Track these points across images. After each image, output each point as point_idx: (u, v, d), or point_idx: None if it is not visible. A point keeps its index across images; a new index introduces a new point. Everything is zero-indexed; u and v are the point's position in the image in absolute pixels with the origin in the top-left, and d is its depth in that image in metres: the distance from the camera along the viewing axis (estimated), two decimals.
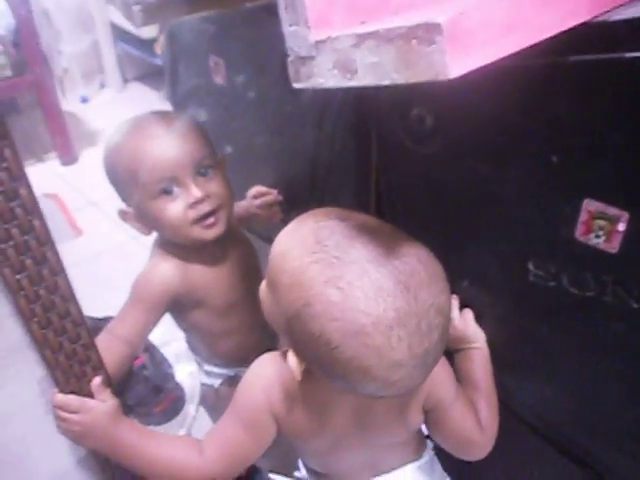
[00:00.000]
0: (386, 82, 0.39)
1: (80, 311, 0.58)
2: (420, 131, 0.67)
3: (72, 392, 0.62)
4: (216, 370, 0.95)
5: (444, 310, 0.49)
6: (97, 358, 0.63)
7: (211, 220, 0.74)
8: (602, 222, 0.55)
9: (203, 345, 0.92)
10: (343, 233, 0.49)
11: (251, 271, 0.86)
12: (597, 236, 0.56)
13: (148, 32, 2.57)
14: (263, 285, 0.56)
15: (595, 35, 0.48)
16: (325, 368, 0.49)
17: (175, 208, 0.72)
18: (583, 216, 0.56)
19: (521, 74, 0.54)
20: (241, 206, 0.94)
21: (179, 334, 0.97)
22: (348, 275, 0.46)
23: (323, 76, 0.43)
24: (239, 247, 0.85)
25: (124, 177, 0.74)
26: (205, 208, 0.73)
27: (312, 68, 0.43)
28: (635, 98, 0.49)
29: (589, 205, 0.55)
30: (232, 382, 0.93)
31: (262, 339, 0.88)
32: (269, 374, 0.59)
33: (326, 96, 0.76)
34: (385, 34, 0.37)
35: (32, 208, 0.50)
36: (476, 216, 0.67)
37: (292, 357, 0.52)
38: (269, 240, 1.11)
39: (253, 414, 0.59)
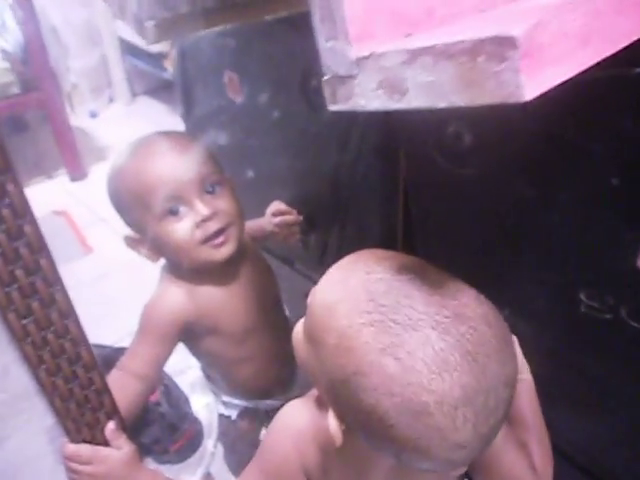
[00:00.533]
0: (442, 105, 0.33)
1: (92, 355, 0.53)
2: (457, 150, 0.62)
3: (84, 441, 0.57)
4: (234, 401, 0.90)
5: (512, 381, 0.43)
6: (110, 403, 0.58)
7: (220, 239, 0.69)
8: None
9: (219, 374, 0.87)
10: (400, 290, 0.42)
11: (268, 293, 0.81)
12: None
13: (157, 46, 2.55)
14: (299, 332, 0.50)
15: None
16: (374, 441, 0.43)
17: (182, 228, 0.68)
18: None
19: (578, 86, 0.48)
20: (258, 223, 0.89)
21: (194, 361, 0.92)
22: (409, 344, 0.40)
23: (365, 97, 0.38)
24: (253, 267, 0.80)
25: (128, 200, 0.70)
26: (213, 227, 0.68)
27: (352, 88, 0.38)
28: None
29: None
30: (251, 415, 0.88)
31: (284, 368, 0.84)
32: (301, 425, 0.52)
33: (351, 114, 0.71)
34: (444, 49, 0.32)
35: (39, 247, 0.45)
36: (519, 242, 0.62)
37: (332, 420, 0.45)
38: (285, 260, 1.07)
39: (282, 471, 0.53)
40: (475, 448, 0.41)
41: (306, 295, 1.04)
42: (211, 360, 0.84)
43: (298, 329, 0.51)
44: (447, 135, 0.62)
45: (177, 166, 0.67)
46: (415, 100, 0.35)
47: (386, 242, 0.83)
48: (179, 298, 0.73)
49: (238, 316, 0.77)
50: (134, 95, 3.05)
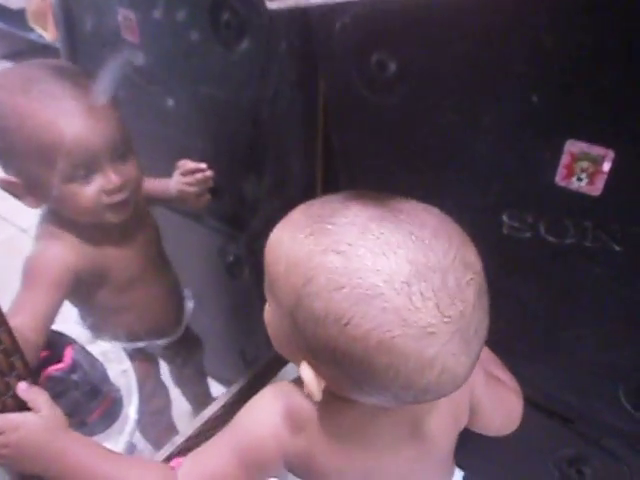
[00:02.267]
0: None
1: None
2: (380, 79, 0.61)
3: None
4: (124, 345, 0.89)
5: (474, 266, 0.40)
6: (23, 366, 0.51)
7: (124, 206, 0.70)
8: (585, 163, 0.53)
9: (106, 321, 0.86)
10: (337, 200, 0.43)
11: (152, 245, 0.84)
12: (579, 179, 0.54)
13: (16, 2, 2.29)
14: (266, 306, 0.48)
15: None
16: (344, 367, 0.40)
17: (89, 192, 0.66)
18: (565, 159, 0.53)
19: (498, 6, 0.49)
20: (165, 184, 0.85)
21: None
22: (348, 237, 0.39)
23: None
24: (139, 221, 0.80)
25: (20, 148, 0.63)
26: (121, 196, 0.68)
27: None
28: (621, 29, 0.46)
29: (572, 146, 0.53)
30: (144, 355, 0.91)
31: (168, 313, 0.91)
32: (281, 409, 0.48)
33: (269, 45, 0.68)
34: None
35: None
36: (443, 169, 0.63)
37: (306, 370, 0.43)
38: (195, 217, 1.02)
39: (258, 456, 0.49)
40: (449, 341, 0.38)
41: (220, 250, 1.00)
42: (99, 309, 0.83)
43: (266, 306, 0.49)
44: (370, 64, 0.61)
45: (94, 131, 0.63)
46: None
47: (306, 184, 0.81)
48: (66, 248, 0.71)
49: (124, 267, 0.78)
50: None
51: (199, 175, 0.82)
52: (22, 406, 0.51)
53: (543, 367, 0.68)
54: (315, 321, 0.39)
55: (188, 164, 0.82)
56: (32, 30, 2.30)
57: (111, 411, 0.79)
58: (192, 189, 0.83)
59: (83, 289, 0.75)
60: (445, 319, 0.37)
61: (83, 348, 0.80)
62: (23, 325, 0.62)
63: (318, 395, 0.43)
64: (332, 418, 0.48)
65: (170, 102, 0.83)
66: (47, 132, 0.61)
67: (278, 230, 0.45)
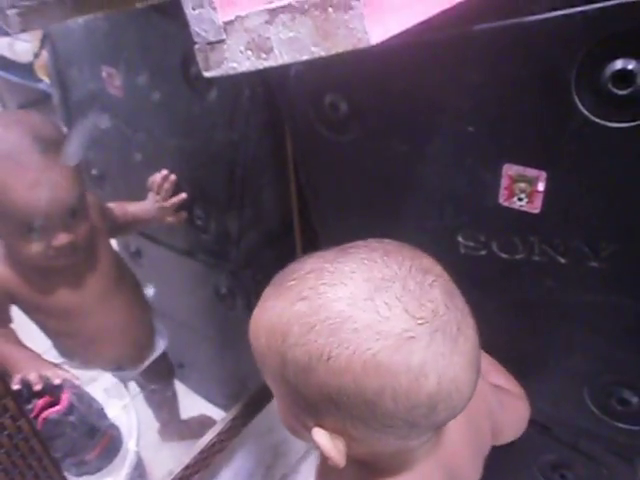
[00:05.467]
0: (305, 57, 0.37)
1: None
2: (335, 118, 0.66)
3: None
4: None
5: (433, 270, 0.41)
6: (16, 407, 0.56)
7: (70, 257, 0.73)
8: (523, 184, 0.57)
9: (67, 347, 0.89)
10: (295, 263, 0.44)
11: (104, 276, 0.83)
12: (520, 199, 0.58)
13: (27, 56, 2.40)
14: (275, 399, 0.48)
15: (498, 2, 0.49)
16: (345, 408, 0.39)
17: (35, 248, 0.69)
18: (505, 181, 0.58)
19: (431, 48, 0.54)
20: (142, 206, 0.91)
21: None
22: (308, 283, 0.40)
23: (236, 60, 0.40)
24: (88, 260, 0.81)
25: None
26: (66, 252, 0.71)
27: (223, 53, 0.41)
28: (539, 59, 0.51)
29: (509, 170, 0.57)
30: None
31: (124, 345, 0.93)
32: None
33: (234, 93, 0.74)
34: (299, 6, 0.35)
35: None
36: (400, 197, 0.67)
37: (319, 433, 0.41)
38: (188, 253, 1.07)
39: None
40: (429, 342, 0.37)
41: (214, 286, 1.04)
42: (52, 333, 0.86)
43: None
44: (324, 106, 0.66)
45: (44, 193, 0.65)
46: (281, 57, 0.38)
47: (283, 218, 0.86)
48: (5, 274, 0.73)
49: (64, 296, 0.79)
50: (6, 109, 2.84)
51: (166, 185, 0.87)
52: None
53: (515, 378, 0.71)
54: (302, 371, 0.39)
55: (156, 178, 0.88)
56: (41, 80, 2.42)
57: (110, 448, 0.82)
58: (167, 203, 0.89)
59: (22, 308, 0.78)
60: (419, 321, 0.37)
61: (79, 389, 0.84)
62: None
63: (341, 459, 0.41)
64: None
65: (152, 148, 0.89)
66: (7, 195, 0.64)
67: (255, 311, 0.45)
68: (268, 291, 0.44)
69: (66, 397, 0.78)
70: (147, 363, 0.97)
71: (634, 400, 0.62)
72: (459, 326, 0.39)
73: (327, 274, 0.40)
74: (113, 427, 0.85)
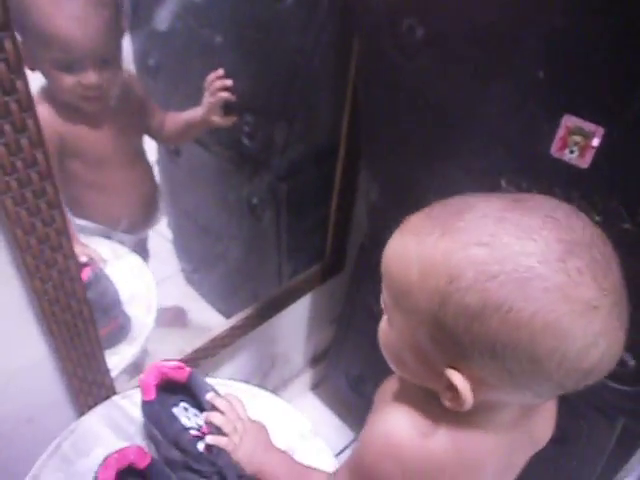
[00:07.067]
0: None
1: (57, 191, 0.56)
2: (409, 42, 0.67)
3: (41, 279, 0.59)
4: (89, 225, 0.99)
5: (608, 242, 0.40)
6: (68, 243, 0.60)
7: (96, 101, 0.80)
8: (578, 137, 0.59)
9: (76, 196, 0.95)
10: (455, 203, 0.42)
11: (125, 137, 0.92)
12: (571, 151, 0.60)
13: None
14: (383, 324, 0.47)
15: None
16: (504, 360, 0.38)
17: (68, 81, 0.76)
18: (561, 132, 0.60)
19: None
20: (195, 111, 0.94)
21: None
22: (486, 229, 0.38)
23: None
24: (123, 113, 0.89)
25: (27, 23, 0.71)
26: (93, 93, 0.78)
27: None
28: (622, 17, 0.52)
29: (568, 121, 0.59)
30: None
31: (135, 207, 1.01)
32: (406, 445, 0.45)
33: (312, 2, 0.74)
34: None
35: (27, 105, 0.47)
36: (453, 131, 0.69)
37: (457, 375, 0.40)
38: (227, 159, 1.09)
39: None
40: (609, 314, 0.37)
41: (246, 195, 1.05)
42: (72, 182, 0.91)
43: (381, 325, 0.48)
44: (401, 29, 0.67)
45: (83, 33, 0.74)
46: None
47: (330, 138, 0.88)
48: (52, 111, 0.79)
49: (93, 146, 0.87)
50: None
51: (218, 83, 0.90)
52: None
53: None
54: (470, 317, 0.38)
55: (211, 75, 0.91)
56: None
57: (116, 333, 0.86)
58: (215, 98, 0.91)
59: (59, 156, 0.84)
60: (604, 292, 0.37)
61: (101, 270, 0.88)
62: None
63: (470, 401, 0.41)
64: (464, 444, 0.46)
65: (214, 47, 0.91)
66: (46, 23, 0.71)
67: (399, 240, 0.44)
68: (421, 223, 0.42)
69: (85, 273, 0.82)
70: (148, 231, 1.08)
71: (631, 363, 0.66)
72: (626, 302, 0.40)
73: (509, 226, 0.38)
74: (124, 315, 0.90)
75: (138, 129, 0.97)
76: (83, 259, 0.87)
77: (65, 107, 0.81)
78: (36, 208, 0.55)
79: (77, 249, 0.82)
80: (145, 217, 1.05)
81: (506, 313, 0.36)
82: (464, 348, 0.39)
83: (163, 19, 1.00)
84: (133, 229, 1.02)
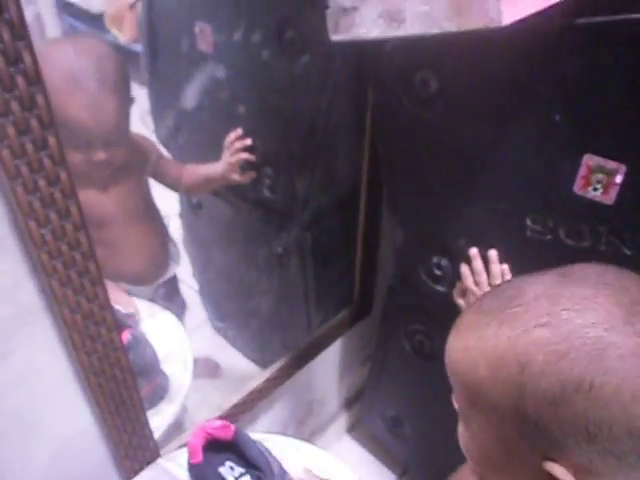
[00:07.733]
0: (435, 31, 0.41)
1: (99, 267, 0.58)
2: (423, 94, 0.70)
3: (87, 353, 0.61)
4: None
5: None
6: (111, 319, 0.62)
7: (104, 170, 0.86)
8: (600, 175, 0.60)
9: None
10: (502, 290, 0.42)
11: (132, 198, 0.96)
12: (595, 189, 0.61)
13: (98, 5, 2.46)
14: (460, 430, 0.46)
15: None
16: (603, 440, 0.36)
17: (76, 157, 0.81)
18: (582, 171, 0.61)
19: (529, 35, 0.57)
20: (214, 167, 0.98)
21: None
22: (542, 309, 0.38)
23: (366, 26, 0.44)
24: (124, 181, 0.93)
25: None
26: (103, 166, 0.84)
27: (354, 19, 0.45)
28: (636, 57, 0.53)
29: (589, 160, 0.60)
30: None
31: (142, 259, 1.03)
32: None
33: (326, 62, 0.78)
34: None
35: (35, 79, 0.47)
36: (475, 176, 0.71)
37: (559, 468, 0.37)
38: (251, 210, 1.12)
39: None
40: None
41: (270, 244, 1.07)
42: None
43: (459, 430, 0.46)
44: (415, 81, 0.70)
45: (94, 119, 0.78)
46: (411, 28, 0.42)
47: (351, 187, 0.90)
48: None
49: (101, 206, 0.92)
50: None
51: (238, 144, 0.94)
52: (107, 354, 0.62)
53: None
54: (552, 402, 0.36)
55: (231, 136, 0.95)
56: (109, 32, 2.48)
57: (155, 394, 0.88)
58: (235, 158, 0.95)
59: None
60: None
61: (138, 331, 0.89)
62: None
63: None
64: None
65: (241, 109, 0.94)
66: (60, 109, 0.73)
67: (458, 340, 0.43)
68: (476, 318, 0.42)
69: (125, 337, 0.83)
70: (161, 280, 1.09)
71: None
72: None
73: (564, 300, 0.37)
74: (162, 375, 0.91)
75: (143, 187, 1.00)
76: (131, 311, 0.91)
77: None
78: (80, 286, 0.57)
79: (123, 299, 0.85)
80: (155, 269, 1.07)
81: (588, 391, 0.35)
82: (556, 437, 0.37)
83: (187, 97, 1.05)
84: (143, 281, 1.06)
